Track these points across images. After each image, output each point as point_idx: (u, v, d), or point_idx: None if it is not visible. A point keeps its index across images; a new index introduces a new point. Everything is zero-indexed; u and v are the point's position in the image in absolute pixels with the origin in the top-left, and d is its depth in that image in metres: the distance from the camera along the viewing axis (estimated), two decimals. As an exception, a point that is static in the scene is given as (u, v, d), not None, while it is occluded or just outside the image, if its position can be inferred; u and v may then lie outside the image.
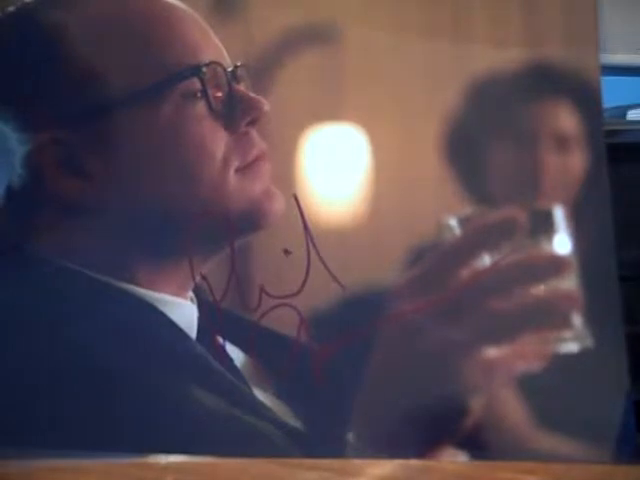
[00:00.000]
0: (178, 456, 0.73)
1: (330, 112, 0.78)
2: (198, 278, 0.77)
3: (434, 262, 0.73)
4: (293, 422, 0.75)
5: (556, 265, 0.72)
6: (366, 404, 0.73)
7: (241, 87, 0.78)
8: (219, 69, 0.76)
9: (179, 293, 0.77)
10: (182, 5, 0.78)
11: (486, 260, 0.72)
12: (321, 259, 0.75)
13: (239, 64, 0.78)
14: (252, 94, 0.77)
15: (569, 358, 0.71)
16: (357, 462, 0.73)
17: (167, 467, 0.72)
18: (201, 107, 0.75)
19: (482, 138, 0.77)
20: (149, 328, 0.76)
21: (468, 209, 0.75)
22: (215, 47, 0.77)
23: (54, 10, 0.77)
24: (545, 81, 0.76)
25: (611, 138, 0.77)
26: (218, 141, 0.76)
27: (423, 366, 0.72)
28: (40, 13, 0.77)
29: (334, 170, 0.78)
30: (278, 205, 0.77)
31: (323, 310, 0.76)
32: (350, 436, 0.73)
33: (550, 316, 0.71)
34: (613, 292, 0.71)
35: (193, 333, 0.77)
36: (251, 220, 0.77)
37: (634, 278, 0.79)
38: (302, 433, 0.74)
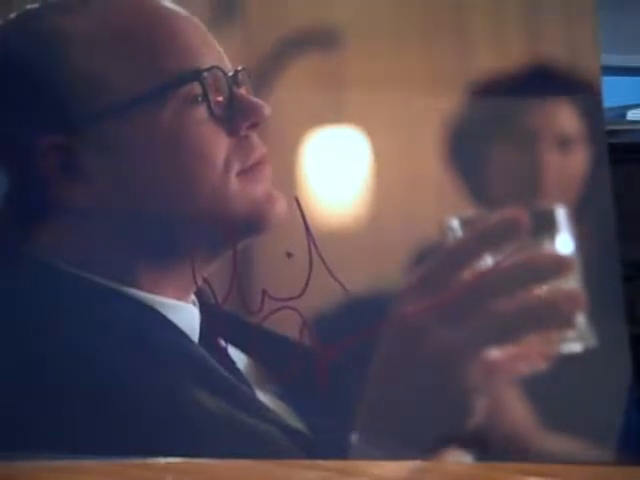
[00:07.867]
0: (178, 457, 0.73)
1: (331, 115, 0.79)
2: (200, 281, 0.77)
3: (436, 264, 0.73)
4: (296, 424, 0.75)
5: (559, 265, 0.72)
6: (369, 405, 0.73)
7: (242, 91, 0.78)
8: (220, 73, 0.77)
9: (181, 296, 0.77)
10: (182, 10, 0.78)
11: (488, 261, 0.72)
12: (323, 261, 0.75)
13: (240, 68, 0.78)
14: (253, 98, 0.78)
15: (572, 358, 0.71)
16: (357, 462, 0.73)
17: (167, 467, 0.72)
18: (202, 111, 0.75)
19: (483, 139, 0.78)
20: (151, 331, 0.76)
21: (470, 210, 0.75)
22: (216, 51, 0.78)
23: (56, 16, 0.77)
24: (546, 82, 0.77)
25: (611, 138, 0.77)
26: (219, 145, 0.76)
27: (426, 367, 0.72)
28: (42, 19, 0.77)
29: (335, 173, 0.79)
30: (280, 208, 0.77)
31: (325, 312, 0.76)
32: (353, 437, 0.73)
33: (553, 316, 0.71)
34: (616, 292, 0.72)
35: (195, 336, 0.77)
36: (253, 223, 0.77)
37: (636, 277, 0.79)
38: (305, 435, 0.74)
